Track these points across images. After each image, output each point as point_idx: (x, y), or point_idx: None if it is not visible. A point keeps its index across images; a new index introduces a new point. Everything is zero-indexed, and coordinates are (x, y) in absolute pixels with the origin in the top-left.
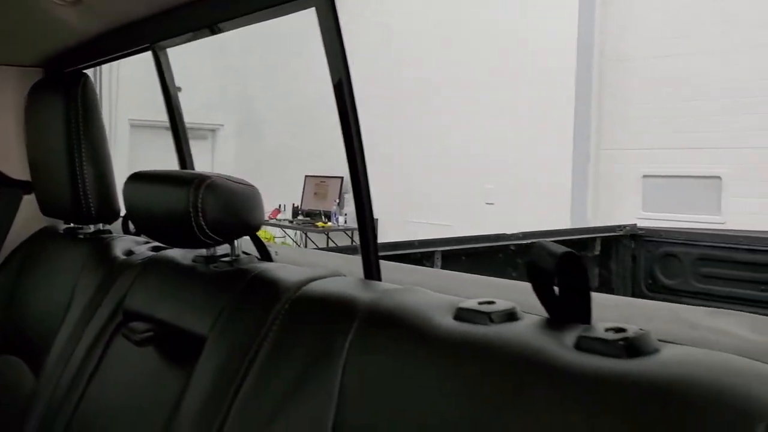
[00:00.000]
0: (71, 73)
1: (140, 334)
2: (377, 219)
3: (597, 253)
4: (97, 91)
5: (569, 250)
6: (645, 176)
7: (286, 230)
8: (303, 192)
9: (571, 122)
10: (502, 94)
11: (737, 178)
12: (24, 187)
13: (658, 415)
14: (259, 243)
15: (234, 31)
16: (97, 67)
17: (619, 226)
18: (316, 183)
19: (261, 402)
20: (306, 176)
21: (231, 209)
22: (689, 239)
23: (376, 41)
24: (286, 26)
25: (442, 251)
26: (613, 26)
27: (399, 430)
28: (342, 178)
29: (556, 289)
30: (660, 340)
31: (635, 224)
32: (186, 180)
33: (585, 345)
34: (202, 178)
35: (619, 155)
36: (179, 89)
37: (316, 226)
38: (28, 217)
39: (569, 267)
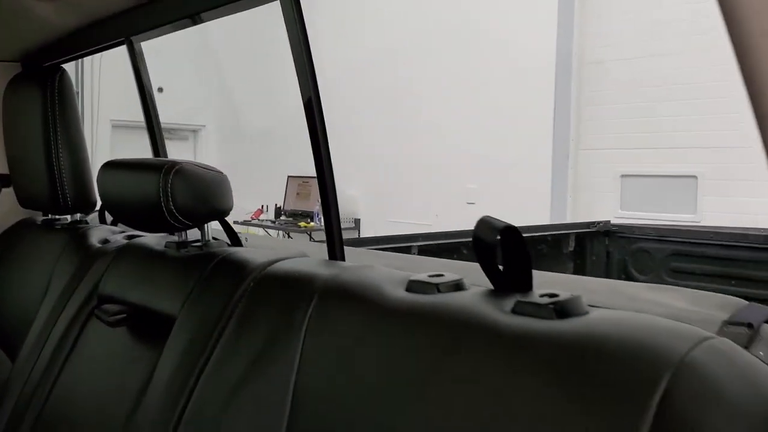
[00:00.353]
0: (48, 67)
1: (113, 316)
2: (359, 219)
3: (572, 249)
4: (79, 93)
5: (510, 224)
6: (623, 176)
7: (269, 230)
8: (285, 192)
9: (550, 124)
10: (483, 97)
11: (713, 178)
12: (2, 180)
13: (578, 368)
14: (228, 228)
15: (218, 33)
16: (79, 69)
17: (593, 223)
18: (298, 183)
19: (226, 373)
20: (288, 177)
21: (200, 194)
22: (661, 235)
23: (356, 42)
24: (270, 31)
25: (419, 245)
26: (590, 29)
27: (353, 394)
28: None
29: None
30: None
31: (609, 221)
32: (156, 166)
33: (520, 309)
34: (171, 165)
35: (597, 156)
36: (161, 90)
37: (299, 227)
38: (6, 210)
39: (510, 240)
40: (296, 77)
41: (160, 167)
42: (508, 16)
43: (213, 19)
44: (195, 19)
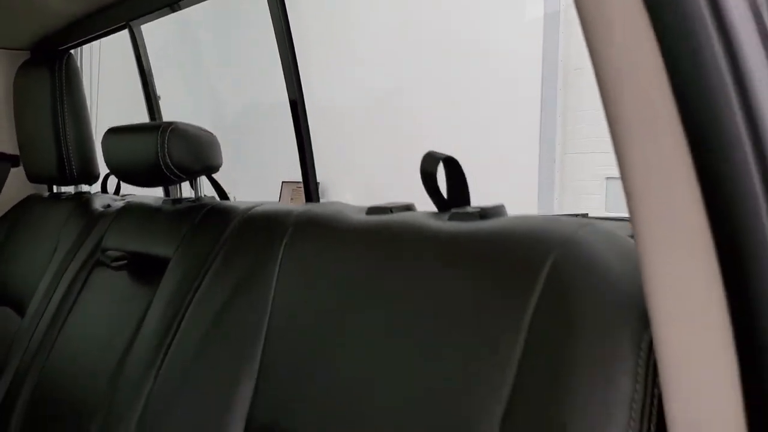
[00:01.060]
0: (56, 52)
1: (115, 261)
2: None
3: None
4: None
5: (450, 156)
6: (608, 178)
7: None
8: (280, 197)
9: (536, 130)
10: (470, 103)
11: None
12: (11, 160)
13: (492, 253)
14: (217, 186)
15: (210, 41)
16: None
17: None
18: (293, 189)
19: (210, 303)
20: (282, 182)
21: (192, 150)
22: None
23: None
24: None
25: None
26: (575, 37)
27: (320, 308)
28: (318, 183)
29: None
30: None
31: (587, 213)
32: (154, 127)
33: (454, 217)
34: (167, 125)
35: (583, 159)
36: (159, 97)
37: None
38: (16, 188)
39: (451, 169)
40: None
41: (157, 127)
42: (499, 25)
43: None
44: (180, 4)
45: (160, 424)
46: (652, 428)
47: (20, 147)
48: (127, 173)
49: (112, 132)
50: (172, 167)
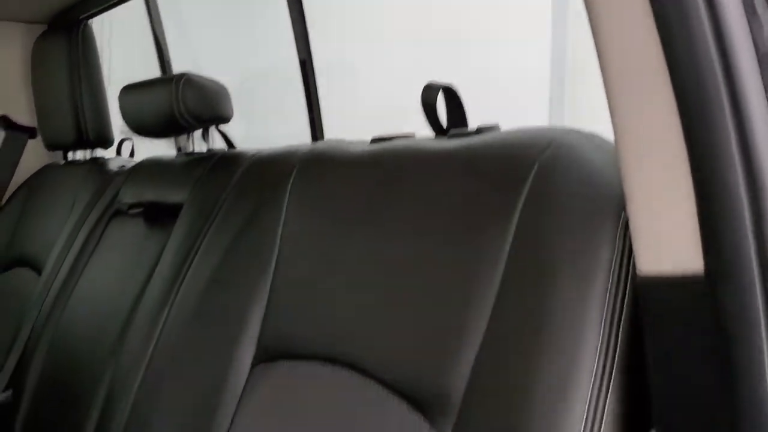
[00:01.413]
0: (73, 22)
1: (132, 208)
2: None
3: None
4: None
5: (449, 84)
6: None
7: None
8: None
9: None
10: (479, 100)
11: None
12: (29, 132)
13: (482, 161)
14: (227, 139)
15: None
16: None
17: None
18: None
19: (222, 236)
20: None
21: (205, 99)
22: None
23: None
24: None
25: None
26: (583, 35)
27: (328, 229)
28: None
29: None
30: None
31: None
32: (168, 79)
33: (452, 136)
34: (180, 75)
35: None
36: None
37: None
38: (33, 160)
39: (450, 97)
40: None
41: (170, 79)
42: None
43: None
44: None
45: (173, 355)
46: (628, 288)
47: (38, 116)
48: (143, 126)
49: (128, 89)
50: (186, 116)
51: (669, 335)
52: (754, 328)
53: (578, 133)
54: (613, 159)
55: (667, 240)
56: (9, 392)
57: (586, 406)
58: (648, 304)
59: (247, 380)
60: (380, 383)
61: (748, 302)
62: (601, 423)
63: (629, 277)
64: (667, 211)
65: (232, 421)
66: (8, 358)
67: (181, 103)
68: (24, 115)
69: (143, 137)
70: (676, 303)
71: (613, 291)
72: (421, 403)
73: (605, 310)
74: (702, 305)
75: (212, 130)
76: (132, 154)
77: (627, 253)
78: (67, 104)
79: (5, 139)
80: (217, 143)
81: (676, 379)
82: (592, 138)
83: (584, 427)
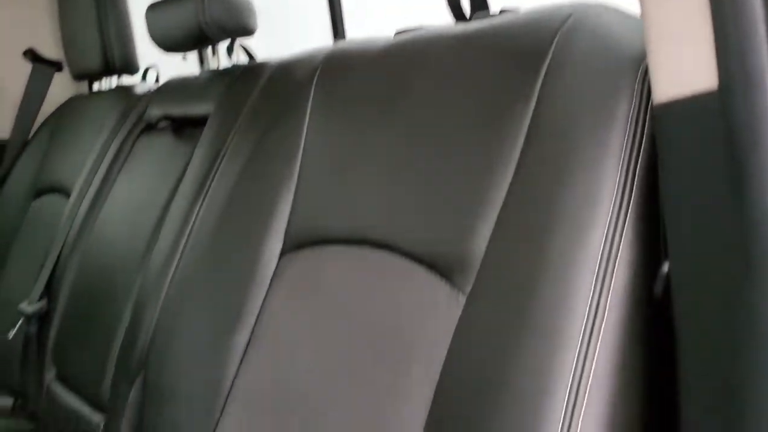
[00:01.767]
0: None
1: (161, 121)
2: None
3: None
4: None
5: None
6: None
7: None
8: None
9: None
10: None
11: None
12: (55, 65)
13: (506, 36)
14: (249, 55)
15: None
16: None
17: None
18: None
19: (251, 133)
20: None
21: (230, 10)
22: None
23: None
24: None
25: None
26: None
27: (353, 120)
28: None
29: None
30: None
31: None
32: None
33: (475, 18)
34: None
35: None
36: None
37: None
38: (59, 93)
39: None
40: None
41: None
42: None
43: None
44: None
45: (203, 250)
46: (644, 143)
47: (64, 45)
48: (169, 40)
49: (153, 6)
50: (212, 27)
51: (683, 153)
52: (766, 135)
53: (599, 6)
54: (634, 27)
55: (685, 64)
56: (44, 301)
57: (599, 258)
58: (664, 130)
59: (276, 270)
60: (403, 255)
61: (760, 111)
62: (614, 270)
63: (644, 134)
64: (684, 34)
65: (261, 306)
66: (41, 273)
67: (207, 14)
68: (51, 49)
69: (169, 53)
70: (691, 121)
71: (629, 147)
72: (442, 267)
73: (620, 166)
74: (716, 120)
75: (237, 46)
76: (157, 81)
77: (644, 106)
78: (93, 31)
79: (32, 72)
80: (242, 60)
81: (689, 198)
82: (612, 9)
83: (597, 271)
